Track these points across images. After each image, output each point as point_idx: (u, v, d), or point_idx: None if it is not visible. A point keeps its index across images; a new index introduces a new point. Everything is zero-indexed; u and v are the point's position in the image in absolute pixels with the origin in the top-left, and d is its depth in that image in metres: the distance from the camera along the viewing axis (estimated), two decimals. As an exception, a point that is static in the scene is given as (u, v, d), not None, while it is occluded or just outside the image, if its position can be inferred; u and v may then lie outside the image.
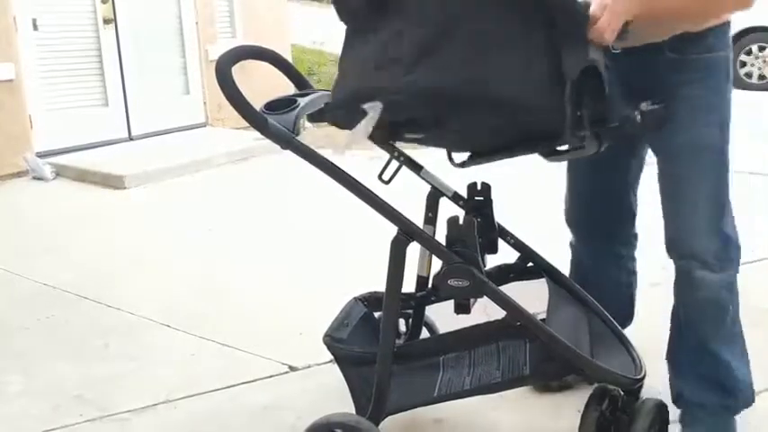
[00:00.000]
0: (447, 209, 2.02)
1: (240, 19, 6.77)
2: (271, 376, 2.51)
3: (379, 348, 1.86)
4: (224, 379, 2.47)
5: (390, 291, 1.83)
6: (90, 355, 2.69)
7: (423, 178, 2.03)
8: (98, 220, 4.38)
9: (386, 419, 1.99)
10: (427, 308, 2.26)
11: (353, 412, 1.95)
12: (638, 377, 1.85)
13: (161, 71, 6.14)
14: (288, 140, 1.74)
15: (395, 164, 1.95)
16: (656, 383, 2.39)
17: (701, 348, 2.04)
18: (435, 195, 2.05)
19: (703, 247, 1.96)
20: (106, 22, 5.66)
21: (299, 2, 13.18)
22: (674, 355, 2.13)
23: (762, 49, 8.95)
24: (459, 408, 2.27)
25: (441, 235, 1.88)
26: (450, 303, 1.99)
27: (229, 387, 2.44)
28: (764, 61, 8.96)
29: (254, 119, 1.72)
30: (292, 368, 2.55)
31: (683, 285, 2.06)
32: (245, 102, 1.71)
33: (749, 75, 9.04)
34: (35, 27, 5.28)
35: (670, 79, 1.83)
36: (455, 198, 2.05)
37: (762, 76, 8.99)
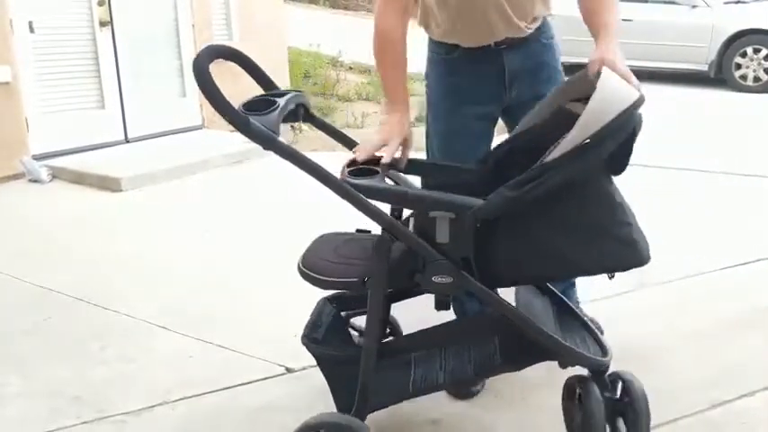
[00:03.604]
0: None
1: (237, 21, 6.77)
2: (267, 378, 2.52)
3: (364, 345, 1.88)
4: (221, 380, 2.48)
5: (375, 288, 1.85)
6: (87, 358, 2.70)
7: (389, 177, 2.04)
8: (95, 222, 4.38)
9: (383, 421, 2.00)
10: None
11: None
12: (608, 359, 1.97)
13: (157, 74, 6.14)
14: (270, 141, 1.74)
15: None
16: (648, 382, 2.40)
17: None
18: None
19: None
20: (102, 24, 5.66)
21: (295, 4, 13.20)
22: None
23: (757, 51, 8.98)
24: (455, 409, 2.28)
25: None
26: (414, 302, 2.09)
27: (226, 388, 2.45)
28: (759, 63, 8.99)
29: (236, 119, 1.71)
30: (289, 370, 2.56)
31: None
32: (226, 102, 1.71)
33: (744, 77, 9.07)
34: (31, 29, 5.27)
35: (544, 58, 2.33)
36: None
37: (757, 78, 9.02)
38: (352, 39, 10.82)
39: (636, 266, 1.86)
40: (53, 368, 2.63)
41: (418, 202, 1.87)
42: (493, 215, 1.79)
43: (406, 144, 2.08)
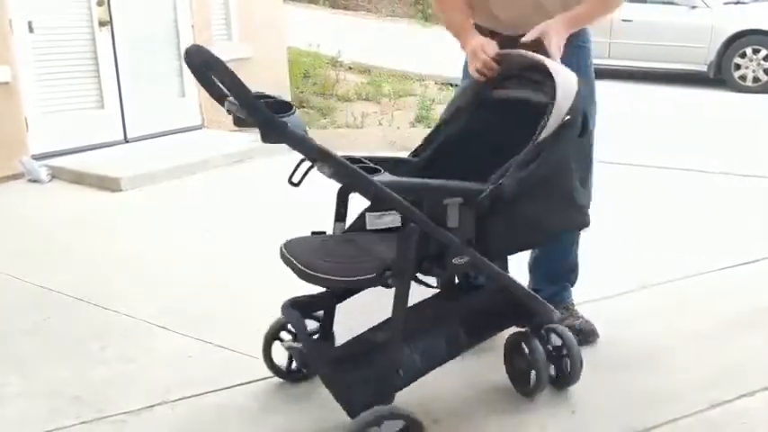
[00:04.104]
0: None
1: (236, 22, 6.76)
2: (267, 378, 2.51)
3: (392, 335, 1.95)
4: (220, 381, 2.48)
5: (403, 278, 1.91)
6: (87, 358, 2.70)
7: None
8: (94, 222, 4.38)
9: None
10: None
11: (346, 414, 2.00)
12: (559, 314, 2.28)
13: (157, 73, 6.12)
14: (302, 142, 1.78)
15: (303, 167, 2.09)
16: (648, 382, 2.41)
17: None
18: (346, 191, 2.20)
19: None
20: (102, 24, 5.66)
21: (295, 4, 13.19)
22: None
23: (756, 51, 8.98)
24: (455, 409, 2.28)
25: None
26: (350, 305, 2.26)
27: (226, 389, 2.45)
28: (759, 64, 8.99)
29: (272, 123, 1.72)
30: (289, 370, 2.55)
31: None
32: (260, 104, 1.72)
33: (743, 77, 9.08)
34: (31, 29, 5.26)
35: (573, 59, 2.35)
36: None
37: (756, 79, 9.02)
38: (351, 39, 10.83)
39: (584, 228, 2.17)
40: (53, 368, 2.63)
41: (436, 191, 1.98)
42: (508, 196, 1.95)
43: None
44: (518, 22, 2.40)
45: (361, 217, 2.27)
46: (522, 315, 2.24)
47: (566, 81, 2.02)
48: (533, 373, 2.26)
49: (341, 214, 2.23)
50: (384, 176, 1.93)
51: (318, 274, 1.97)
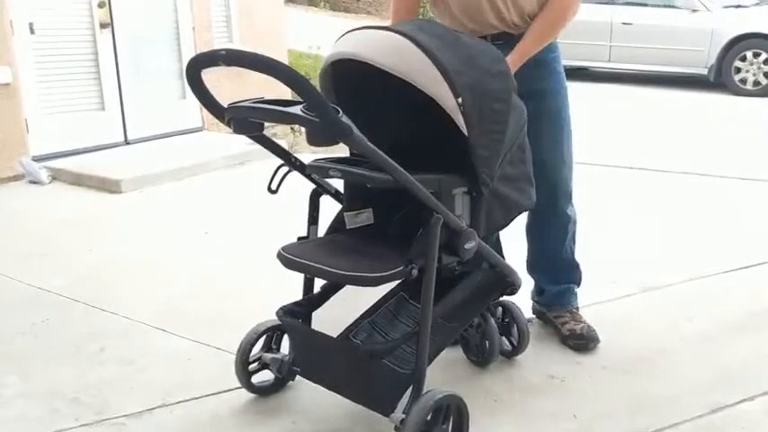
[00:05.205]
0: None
1: (237, 24, 6.77)
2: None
3: (421, 324, 1.97)
4: (220, 383, 2.47)
5: (431, 266, 1.94)
6: (86, 359, 2.69)
7: (312, 179, 2.21)
8: (94, 224, 4.38)
9: (383, 421, 2.00)
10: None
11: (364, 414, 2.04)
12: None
13: (158, 75, 6.14)
14: (366, 144, 1.77)
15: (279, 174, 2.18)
16: (649, 385, 2.41)
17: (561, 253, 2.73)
18: (318, 194, 2.25)
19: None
20: (103, 26, 5.66)
21: (295, 7, 13.20)
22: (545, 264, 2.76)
23: (756, 55, 8.98)
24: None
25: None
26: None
27: (226, 391, 2.44)
28: (759, 67, 8.99)
29: (340, 125, 1.70)
30: (289, 372, 2.54)
31: None
32: (330, 106, 1.71)
33: (744, 81, 9.07)
34: (32, 31, 5.27)
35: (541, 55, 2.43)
36: (337, 195, 2.29)
37: (756, 83, 9.02)
38: (352, 41, 10.82)
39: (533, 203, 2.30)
40: (52, 370, 2.62)
41: (449, 182, 2.03)
42: (496, 182, 2.09)
43: None
44: (480, 22, 2.41)
45: (339, 219, 2.30)
46: (501, 291, 2.38)
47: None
48: (486, 343, 2.47)
49: (314, 217, 2.27)
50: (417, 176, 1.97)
51: (350, 273, 1.98)
